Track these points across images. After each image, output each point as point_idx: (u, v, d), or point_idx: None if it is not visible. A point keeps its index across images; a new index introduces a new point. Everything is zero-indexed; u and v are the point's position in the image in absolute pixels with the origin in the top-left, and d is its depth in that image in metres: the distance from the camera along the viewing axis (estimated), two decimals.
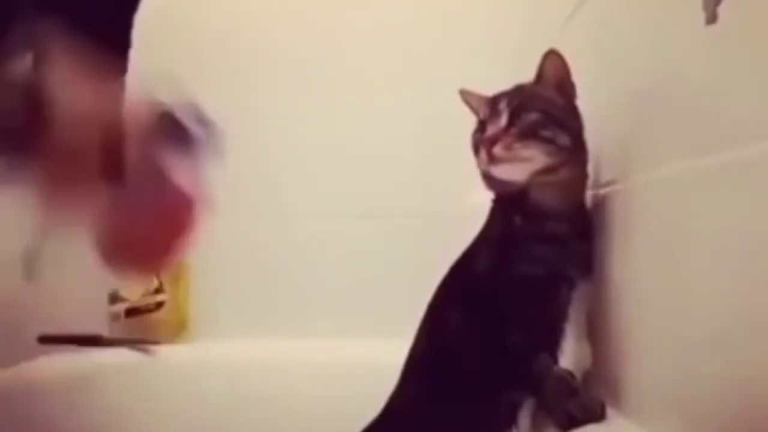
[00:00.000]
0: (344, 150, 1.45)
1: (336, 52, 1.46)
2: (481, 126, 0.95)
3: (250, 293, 1.42)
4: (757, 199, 0.58)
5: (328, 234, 1.43)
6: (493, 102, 0.95)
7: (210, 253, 1.40)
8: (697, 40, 0.71)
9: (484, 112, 0.96)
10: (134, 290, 1.39)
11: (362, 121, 1.45)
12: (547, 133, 0.90)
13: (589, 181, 0.97)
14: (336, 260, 1.43)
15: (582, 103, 0.96)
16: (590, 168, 0.96)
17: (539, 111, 0.91)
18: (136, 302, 1.39)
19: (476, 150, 0.94)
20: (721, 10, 0.66)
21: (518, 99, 0.93)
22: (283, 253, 1.44)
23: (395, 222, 1.41)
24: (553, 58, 0.94)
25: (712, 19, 0.67)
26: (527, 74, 0.96)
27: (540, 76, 0.95)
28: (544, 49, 0.94)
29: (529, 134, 0.90)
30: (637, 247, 0.83)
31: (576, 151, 0.93)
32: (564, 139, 0.91)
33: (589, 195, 0.98)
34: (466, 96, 0.99)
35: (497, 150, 0.90)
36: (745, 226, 0.59)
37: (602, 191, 0.96)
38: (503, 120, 0.92)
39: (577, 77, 0.95)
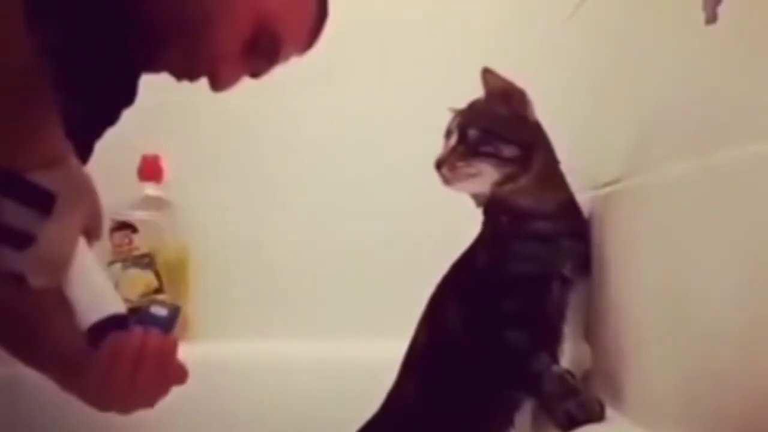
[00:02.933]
0: (345, 150, 1.45)
1: (340, 48, 1.45)
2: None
3: (251, 293, 1.42)
4: (756, 198, 0.58)
5: (328, 234, 1.43)
6: (452, 120, 0.98)
7: (210, 253, 1.40)
8: (697, 40, 0.71)
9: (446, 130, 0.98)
10: (134, 290, 1.39)
11: (363, 121, 1.44)
12: (487, 149, 0.93)
13: (589, 181, 0.98)
14: (335, 260, 1.43)
15: (581, 103, 0.96)
16: (565, 168, 0.97)
17: (480, 128, 0.93)
18: (136, 302, 1.39)
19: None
20: (721, 10, 0.66)
21: (464, 117, 0.96)
22: (284, 253, 1.44)
23: (395, 222, 1.41)
24: (488, 76, 0.94)
25: (712, 19, 0.67)
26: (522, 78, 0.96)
27: (486, 91, 0.96)
28: (544, 50, 0.94)
29: (472, 152, 0.93)
30: (637, 247, 0.83)
31: (528, 158, 0.93)
32: (510, 151, 0.93)
33: (589, 195, 0.98)
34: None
35: (444, 171, 0.94)
36: (745, 225, 0.59)
37: (602, 191, 0.96)
38: (453, 140, 0.95)
39: (577, 78, 0.95)
